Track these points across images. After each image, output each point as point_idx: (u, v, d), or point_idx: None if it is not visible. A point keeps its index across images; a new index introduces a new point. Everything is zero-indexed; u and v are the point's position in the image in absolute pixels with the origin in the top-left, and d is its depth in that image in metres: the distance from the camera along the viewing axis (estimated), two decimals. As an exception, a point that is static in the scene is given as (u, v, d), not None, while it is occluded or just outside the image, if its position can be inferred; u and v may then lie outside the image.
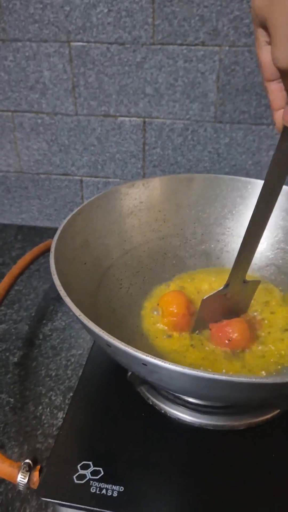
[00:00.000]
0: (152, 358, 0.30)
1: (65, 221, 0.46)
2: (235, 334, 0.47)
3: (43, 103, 0.72)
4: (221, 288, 0.47)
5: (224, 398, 0.36)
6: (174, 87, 0.67)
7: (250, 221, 0.42)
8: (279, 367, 0.46)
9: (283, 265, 0.56)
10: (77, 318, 0.34)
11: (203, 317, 0.49)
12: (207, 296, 0.47)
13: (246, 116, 0.67)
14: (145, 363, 0.31)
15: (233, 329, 0.47)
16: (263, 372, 0.45)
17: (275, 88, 0.35)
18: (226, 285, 0.47)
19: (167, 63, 0.65)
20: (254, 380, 0.30)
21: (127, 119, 0.70)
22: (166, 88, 0.67)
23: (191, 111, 0.68)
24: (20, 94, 0.71)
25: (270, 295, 0.54)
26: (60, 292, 0.36)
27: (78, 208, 0.49)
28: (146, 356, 0.30)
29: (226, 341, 0.47)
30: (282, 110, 0.36)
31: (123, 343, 0.31)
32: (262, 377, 0.29)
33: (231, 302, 0.49)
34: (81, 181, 0.78)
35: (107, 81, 0.68)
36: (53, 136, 0.74)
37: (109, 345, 0.32)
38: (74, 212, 0.48)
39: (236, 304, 0.50)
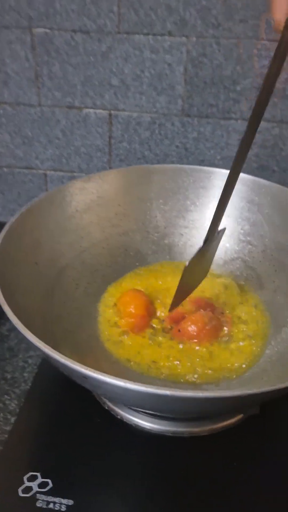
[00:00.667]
0: (92, 371, 0.28)
1: (12, 220, 0.43)
2: (187, 323, 0.45)
3: (5, 93, 0.68)
4: (201, 246, 0.44)
5: (175, 411, 0.35)
6: (141, 78, 0.64)
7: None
8: (244, 366, 0.45)
9: (249, 259, 0.54)
10: (14, 326, 0.32)
11: (182, 289, 0.46)
12: (189, 261, 0.43)
13: (214, 110, 0.65)
14: (85, 376, 0.29)
15: (187, 320, 0.46)
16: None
17: None
18: (206, 240, 0.44)
19: (133, 53, 0.63)
20: (200, 395, 0.28)
21: (92, 111, 0.68)
22: (132, 80, 0.65)
23: (158, 103, 0.66)
24: (-20, 83, 0.68)
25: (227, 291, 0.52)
26: None
27: (26, 206, 0.46)
28: (86, 369, 0.28)
29: (178, 331, 0.46)
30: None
31: (58, 353, 0.29)
32: (208, 391, 0.27)
33: (203, 264, 0.47)
34: (45, 175, 0.75)
35: (71, 71, 0.65)
36: (16, 128, 0.71)
37: (46, 355, 0.30)
38: (21, 210, 0.45)
39: (206, 260, 0.48)
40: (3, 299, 0.33)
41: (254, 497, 0.38)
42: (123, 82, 0.65)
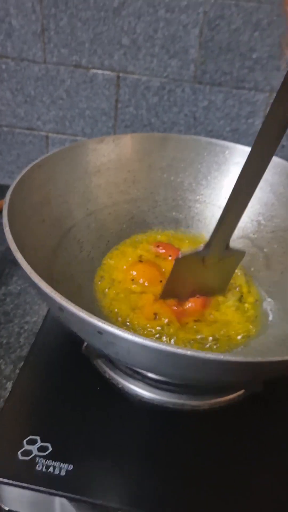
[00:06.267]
0: (109, 326, 0.27)
1: (23, 172, 0.41)
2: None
3: (8, 46, 0.65)
4: (200, 248, 0.41)
5: (189, 376, 0.33)
6: (153, 39, 0.61)
7: (241, 171, 0.36)
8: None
9: (256, 238, 0.53)
10: (28, 276, 0.30)
11: (175, 281, 0.43)
12: (182, 255, 0.41)
13: (228, 78, 0.63)
14: (100, 331, 0.27)
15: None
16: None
17: None
18: (207, 246, 0.41)
19: (147, 11, 0.60)
20: (223, 358, 0.26)
21: (100, 72, 0.65)
22: (144, 40, 0.62)
23: (170, 68, 0.63)
24: (-18, 34, 0.64)
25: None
26: (11, 246, 0.32)
27: (39, 159, 0.44)
28: (103, 323, 0.27)
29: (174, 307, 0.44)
30: None
31: (77, 306, 0.27)
32: (234, 355, 0.26)
33: (209, 274, 0.44)
34: (47, 137, 0.72)
35: (80, 26, 0.62)
36: (18, 85, 0.68)
37: (61, 309, 0.28)
38: (34, 163, 0.43)
39: (214, 278, 0.45)
40: (15, 247, 0.31)
41: (251, 472, 0.37)
42: (134, 42, 0.62)
